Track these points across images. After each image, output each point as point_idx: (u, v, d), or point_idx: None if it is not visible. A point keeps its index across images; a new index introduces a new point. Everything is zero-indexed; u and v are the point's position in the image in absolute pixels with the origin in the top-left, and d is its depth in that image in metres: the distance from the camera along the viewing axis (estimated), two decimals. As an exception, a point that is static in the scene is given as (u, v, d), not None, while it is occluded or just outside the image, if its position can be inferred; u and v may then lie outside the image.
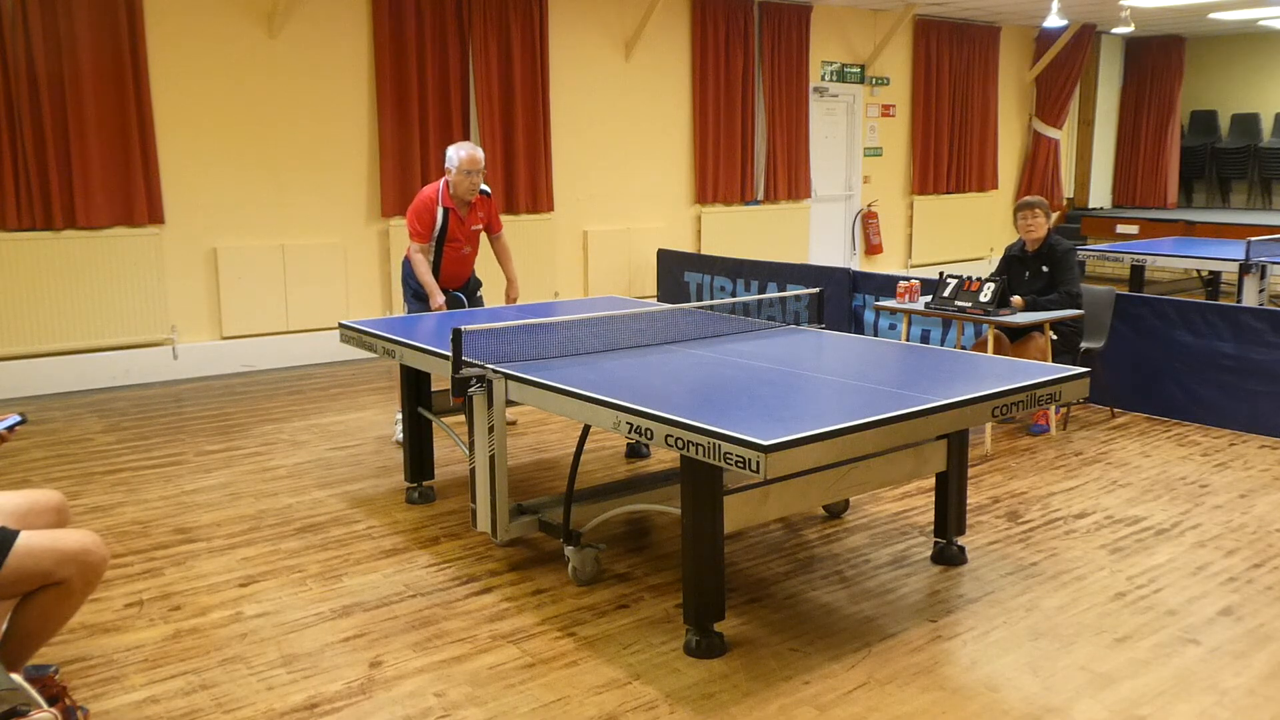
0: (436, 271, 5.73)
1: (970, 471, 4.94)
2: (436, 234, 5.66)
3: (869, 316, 7.62)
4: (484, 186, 5.80)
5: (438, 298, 5.66)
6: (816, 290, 5.24)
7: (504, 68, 8.85)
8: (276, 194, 7.96)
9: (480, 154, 5.63)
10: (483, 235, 5.94)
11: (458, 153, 5.58)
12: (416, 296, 5.79)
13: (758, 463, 2.87)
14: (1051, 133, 13.49)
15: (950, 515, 4.15)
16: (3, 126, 6.85)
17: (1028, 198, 6.23)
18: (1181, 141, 14.41)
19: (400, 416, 5.87)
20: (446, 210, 5.65)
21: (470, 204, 5.70)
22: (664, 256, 9.73)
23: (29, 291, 7.06)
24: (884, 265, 12.04)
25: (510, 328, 4.66)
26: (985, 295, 5.77)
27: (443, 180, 5.69)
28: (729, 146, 10.44)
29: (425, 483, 4.99)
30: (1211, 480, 5.17)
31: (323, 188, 8.17)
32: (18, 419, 3.07)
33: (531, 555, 4.27)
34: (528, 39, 8.95)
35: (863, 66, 11.66)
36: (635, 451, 5.70)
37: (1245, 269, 8.47)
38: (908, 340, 6.31)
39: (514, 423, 6.21)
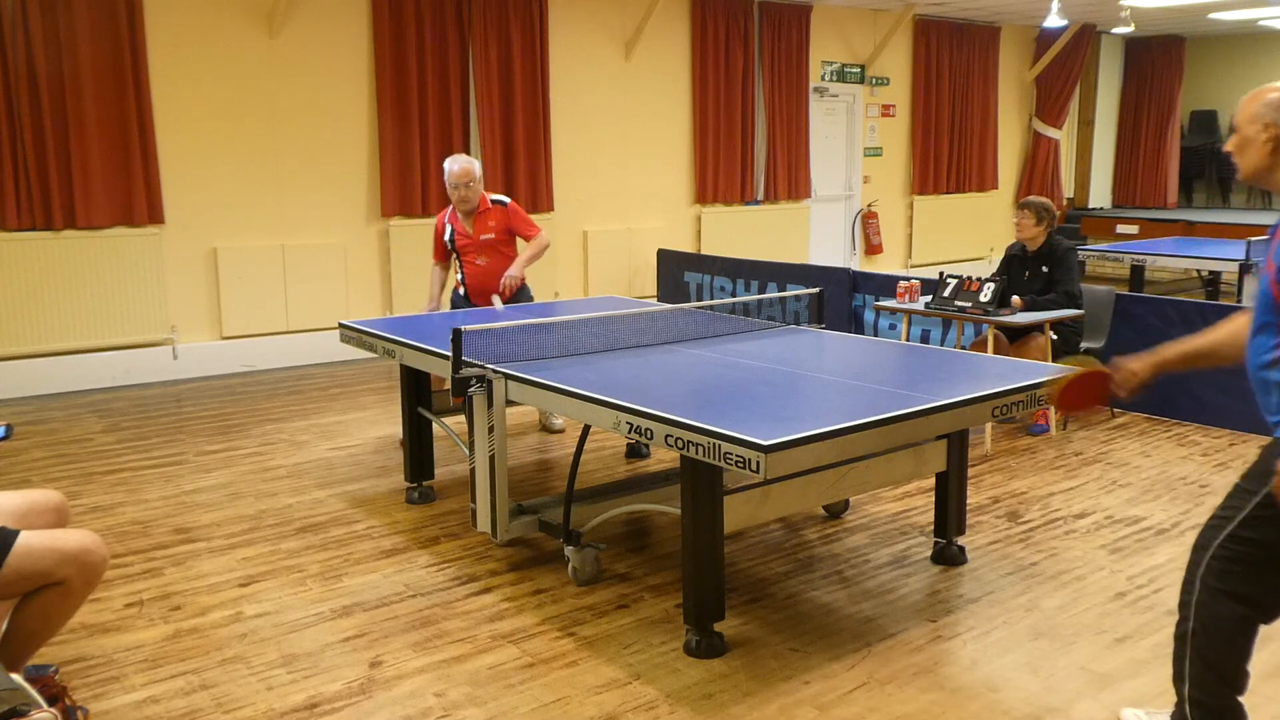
0: (464, 286, 5.84)
1: (970, 471, 4.93)
2: (450, 249, 5.81)
3: (869, 316, 7.62)
4: (502, 198, 5.87)
5: (429, 304, 5.91)
6: (816, 290, 5.24)
7: (504, 68, 8.85)
8: (276, 194, 7.96)
9: (472, 167, 5.64)
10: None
11: (448, 166, 5.68)
12: (453, 304, 5.99)
13: (758, 463, 2.87)
14: (1051, 133, 13.49)
15: (950, 515, 4.15)
16: (3, 126, 6.85)
17: (1027, 198, 6.22)
18: (1181, 141, 14.41)
19: None
20: (451, 226, 5.78)
21: (479, 215, 5.74)
22: (664, 256, 9.73)
23: (29, 291, 7.06)
24: (884, 265, 12.04)
25: (510, 328, 4.66)
26: (985, 295, 5.77)
27: None
28: (729, 146, 10.44)
29: (425, 483, 4.99)
30: (1211, 480, 5.17)
31: (323, 188, 8.17)
32: (2, 433, 3.07)
33: (531, 555, 4.27)
34: (528, 39, 8.95)
35: (863, 66, 11.66)
36: (635, 451, 5.69)
37: (1245, 269, 8.48)
38: (908, 340, 6.31)
39: (562, 430, 6.15)
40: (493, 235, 5.76)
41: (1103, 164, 14.59)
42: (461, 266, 5.82)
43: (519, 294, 5.78)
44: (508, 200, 5.88)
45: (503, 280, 5.67)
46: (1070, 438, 5.94)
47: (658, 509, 3.99)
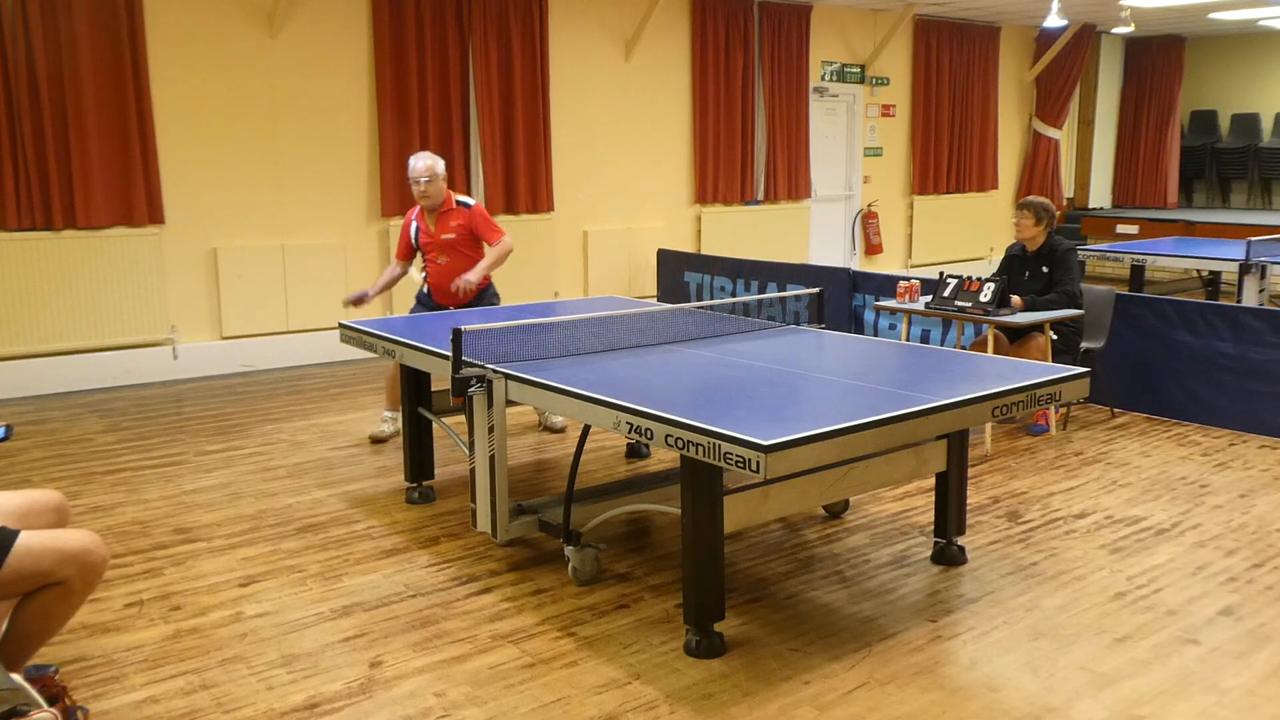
0: (427, 285, 5.87)
1: (970, 471, 4.93)
2: (415, 246, 5.86)
3: (869, 316, 7.62)
4: (467, 199, 5.85)
5: (368, 289, 5.94)
6: (816, 290, 5.24)
7: (504, 68, 8.85)
8: (276, 194, 7.96)
9: (433, 164, 5.65)
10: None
11: (411, 163, 5.71)
12: (418, 300, 5.98)
13: (758, 463, 2.87)
14: (1051, 133, 13.49)
15: (950, 515, 4.15)
16: (3, 126, 6.85)
17: (1026, 198, 6.22)
18: (1181, 141, 14.40)
19: (388, 414, 5.90)
20: (417, 224, 5.81)
21: (442, 214, 5.74)
22: (664, 256, 9.73)
23: (29, 291, 7.05)
24: (884, 265, 12.04)
25: (510, 328, 4.66)
26: (985, 295, 5.77)
27: None
28: (729, 146, 10.44)
29: (425, 483, 4.99)
30: (1211, 480, 5.17)
31: (323, 188, 8.17)
32: (2, 434, 3.07)
33: (531, 555, 4.27)
34: (528, 39, 8.95)
35: (863, 66, 11.66)
36: (635, 451, 5.70)
37: (1245, 269, 8.47)
38: (908, 340, 6.32)
39: (563, 430, 6.15)
40: (453, 235, 5.75)
41: (1103, 164, 14.59)
42: (425, 265, 5.88)
43: (482, 296, 5.84)
44: (473, 202, 5.87)
45: (455, 283, 5.63)
46: (1070, 438, 5.94)
47: (658, 509, 3.99)
